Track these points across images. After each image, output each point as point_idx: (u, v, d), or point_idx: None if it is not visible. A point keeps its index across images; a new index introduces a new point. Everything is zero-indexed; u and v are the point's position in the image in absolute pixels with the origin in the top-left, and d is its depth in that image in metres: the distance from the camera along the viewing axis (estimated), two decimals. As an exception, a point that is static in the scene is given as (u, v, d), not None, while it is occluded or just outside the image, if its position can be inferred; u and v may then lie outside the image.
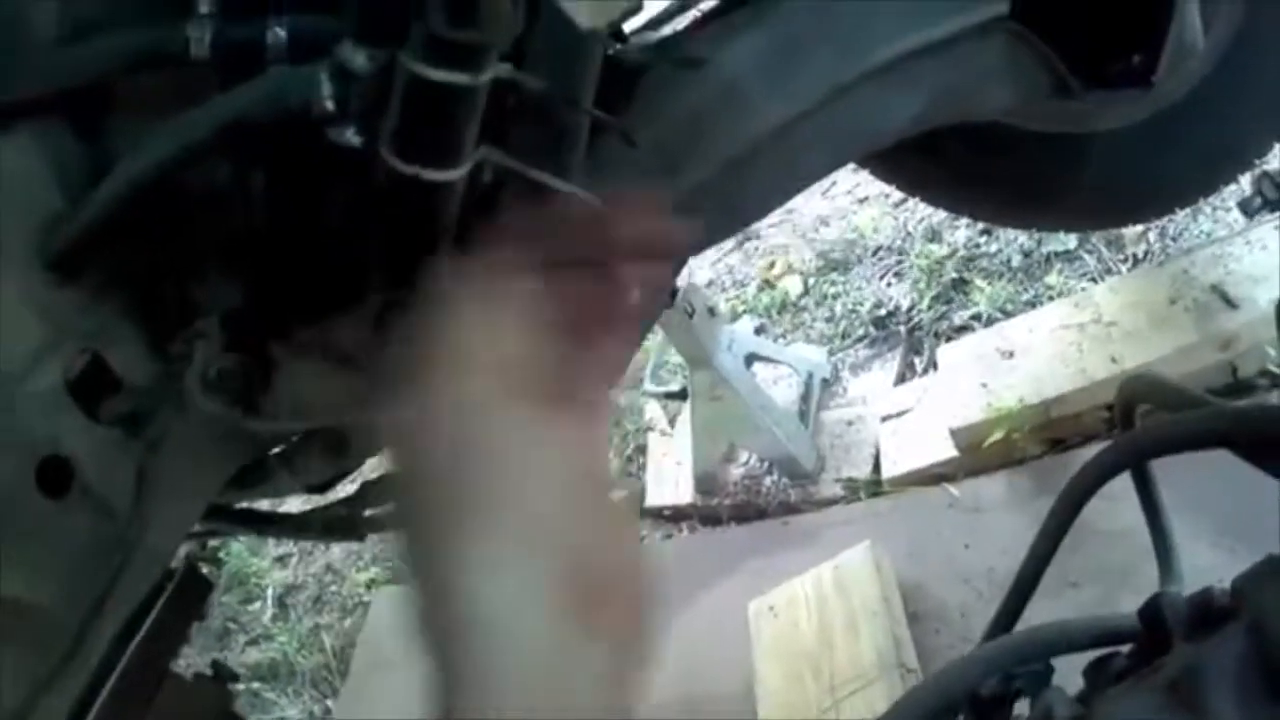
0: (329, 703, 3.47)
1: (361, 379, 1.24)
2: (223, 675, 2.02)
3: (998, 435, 2.57)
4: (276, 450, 1.41)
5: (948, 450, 2.70)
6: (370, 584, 3.74)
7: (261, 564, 4.08)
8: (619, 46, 1.39)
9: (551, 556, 0.63)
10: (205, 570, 3.85)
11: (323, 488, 1.55)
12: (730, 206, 1.36)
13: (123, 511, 1.20)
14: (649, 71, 1.30)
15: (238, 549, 4.09)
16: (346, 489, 1.61)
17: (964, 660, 1.01)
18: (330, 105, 0.94)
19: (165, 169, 1.01)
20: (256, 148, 1.08)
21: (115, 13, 1.08)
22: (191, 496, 1.33)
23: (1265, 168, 2.27)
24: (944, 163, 2.30)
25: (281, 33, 1.01)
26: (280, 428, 1.34)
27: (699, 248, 1.73)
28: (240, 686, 3.43)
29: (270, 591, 3.97)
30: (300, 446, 1.40)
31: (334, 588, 3.87)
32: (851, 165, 3.45)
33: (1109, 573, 2.09)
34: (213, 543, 3.95)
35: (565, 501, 0.65)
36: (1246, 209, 0.91)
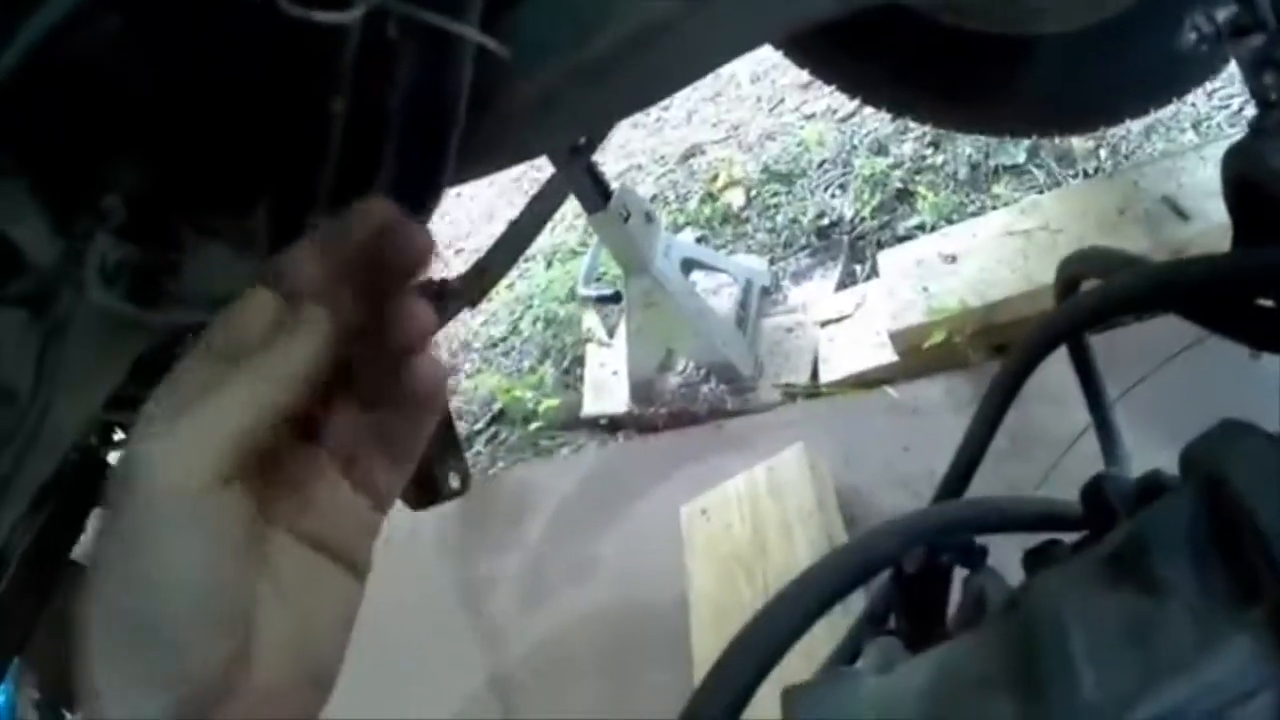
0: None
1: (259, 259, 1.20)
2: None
3: (938, 338, 2.53)
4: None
5: (887, 355, 2.67)
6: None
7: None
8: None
9: None
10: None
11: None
12: (646, 75, 1.31)
13: (24, 394, 1.17)
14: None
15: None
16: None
17: (881, 528, 0.95)
18: (216, -54, 0.89)
19: (54, 35, 0.97)
20: (147, 8, 1.02)
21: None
22: (94, 383, 1.30)
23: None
24: (887, 64, 2.27)
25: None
26: (178, 319, 1.30)
27: (610, 124, 1.68)
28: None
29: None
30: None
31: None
32: (802, 80, 3.44)
33: (1057, 478, 2.05)
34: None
35: None
36: (1181, 45, 0.87)
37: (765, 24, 1.43)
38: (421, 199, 1.20)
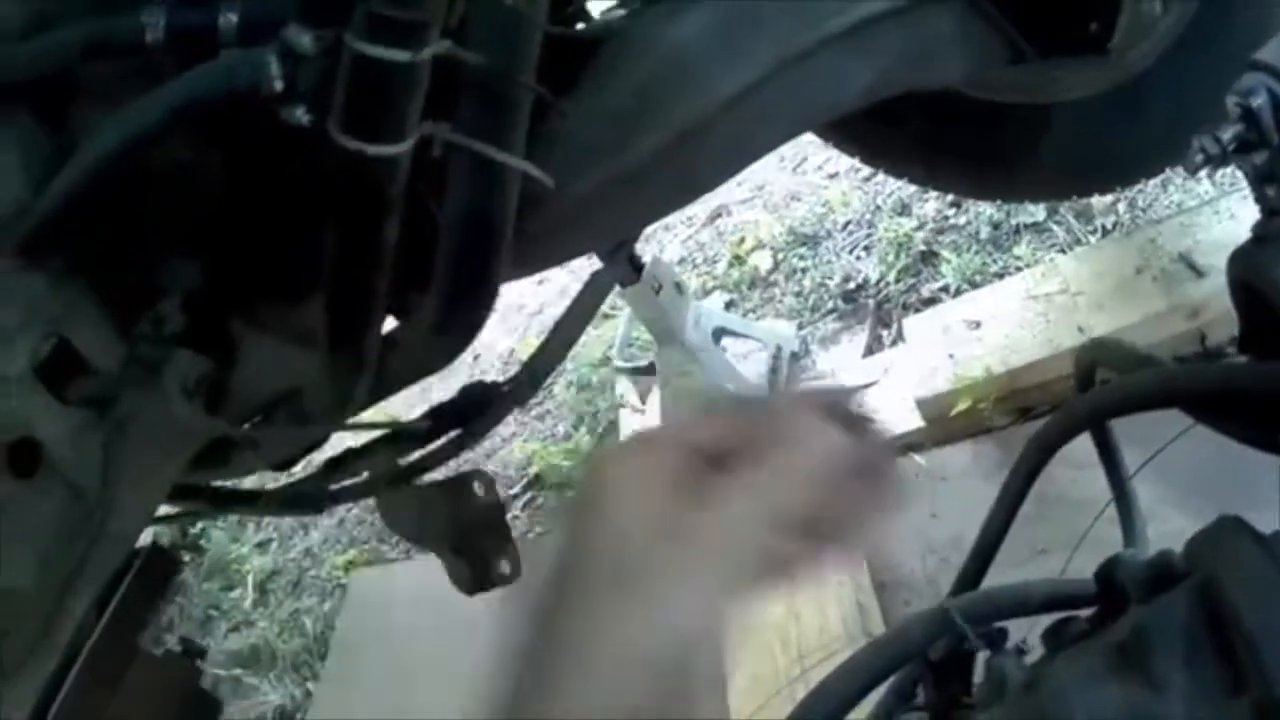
0: (309, 686, 3.45)
1: (319, 356, 1.25)
2: (191, 651, 2.03)
3: (964, 405, 2.57)
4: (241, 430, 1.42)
5: (915, 421, 2.70)
6: (348, 566, 3.74)
7: (242, 550, 4.05)
8: (580, 26, 1.40)
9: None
10: (187, 558, 3.87)
11: (286, 464, 1.58)
12: (682, 177, 1.35)
13: (91, 491, 1.21)
14: (603, 47, 1.30)
15: (218, 536, 4.08)
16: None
17: (910, 621, 1.01)
18: (279, 85, 0.95)
19: (122, 153, 1.02)
20: (211, 129, 1.09)
21: (74, 4, 1.08)
22: (157, 476, 1.34)
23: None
24: (907, 134, 2.30)
25: (233, 17, 1.02)
26: (238, 419, 1.36)
27: (648, 224, 1.73)
28: (220, 672, 3.46)
29: (251, 577, 3.93)
30: (263, 425, 1.41)
31: (313, 572, 3.86)
32: (823, 141, 3.47)
33: (1079, 541, 2.08)
34: (193, 530, 3.97)
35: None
36: (1189, 167, 0.92)
37: (796, 119, 1.47)
38: (475, 304, 1.24)
